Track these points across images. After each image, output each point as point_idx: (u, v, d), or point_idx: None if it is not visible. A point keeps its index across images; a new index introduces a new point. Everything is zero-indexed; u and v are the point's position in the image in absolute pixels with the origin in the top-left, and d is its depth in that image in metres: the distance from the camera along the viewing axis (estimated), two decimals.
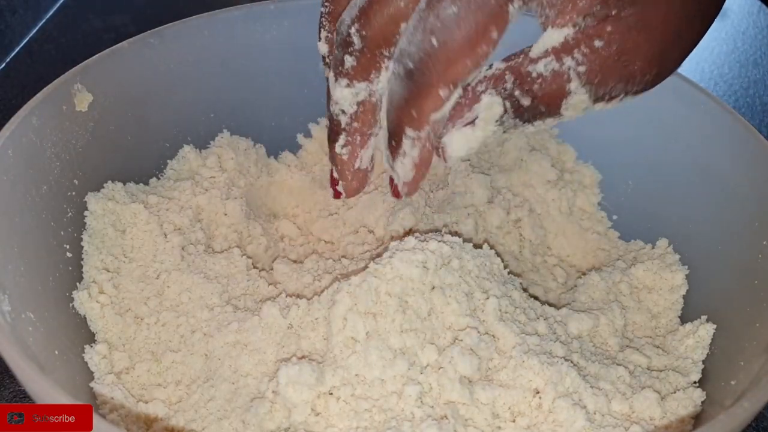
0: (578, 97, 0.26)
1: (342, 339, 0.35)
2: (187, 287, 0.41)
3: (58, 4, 0.82)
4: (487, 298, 0.37)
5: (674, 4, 0.25)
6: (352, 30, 0.28)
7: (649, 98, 0.46)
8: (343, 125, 0.31)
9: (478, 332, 0.36)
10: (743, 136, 0.40)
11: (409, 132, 0.27)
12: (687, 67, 0.28)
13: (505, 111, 0.26)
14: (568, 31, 0.25)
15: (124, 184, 0.44)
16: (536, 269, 0.47)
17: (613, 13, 0.24)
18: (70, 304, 0.39)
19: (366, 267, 0.37)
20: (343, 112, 0.31)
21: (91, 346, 0.38)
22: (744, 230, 0.39)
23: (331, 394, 0.34)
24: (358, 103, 0.30)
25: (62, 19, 0.80)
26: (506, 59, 0.27)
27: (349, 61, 0.29)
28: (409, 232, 0.45)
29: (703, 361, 0.38)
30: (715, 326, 0.39)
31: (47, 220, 0.38)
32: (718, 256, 0.41)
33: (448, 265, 0.37)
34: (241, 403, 0.35)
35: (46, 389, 0.27)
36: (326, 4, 0.32)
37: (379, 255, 0.39)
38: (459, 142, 0.28)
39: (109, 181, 0.43)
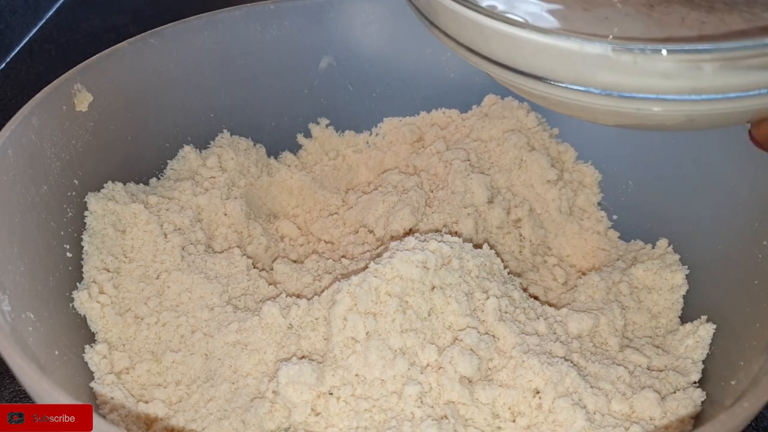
0: None
1: (342, 339, 0.35)
2: (187, 287, 0.41)
3: (58, 4, 0.82)
4: (487, 298, 0.37)
5: None
6: None
7: None
8: None
9: (478, 332, 0.36)
10: (743, 136, 0.40)
11: None
12: None
13: None
14: None
15: (124, 184, 0.44)
16: (536, 269, 0.47)
17: None
18: (70, 304, 0.39)
19: (366, 267, 0.37)
20: None
21: (91, 346, 0.38)
22: (744, 230, 0.39)
23: (331, 394, 0.34)
24: None
25: (62, 19, 0.80)
26: None
27: None
28: (409, 232, 0.45)
29: (703, 361, 0.38)
30: (715, 326, 0.39)
31: (47, 220, 0.38)
32: (718, 256, 0.41)
33: (448, 265, 0.37)
34: (241, 403, 0.35)
35: (46, 389, 0.27)
36: None
37: (379, 255, 0.39)
38: None
39: (109, 181, 0.43)
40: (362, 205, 0.48)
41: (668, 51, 0.23)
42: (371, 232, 0.47)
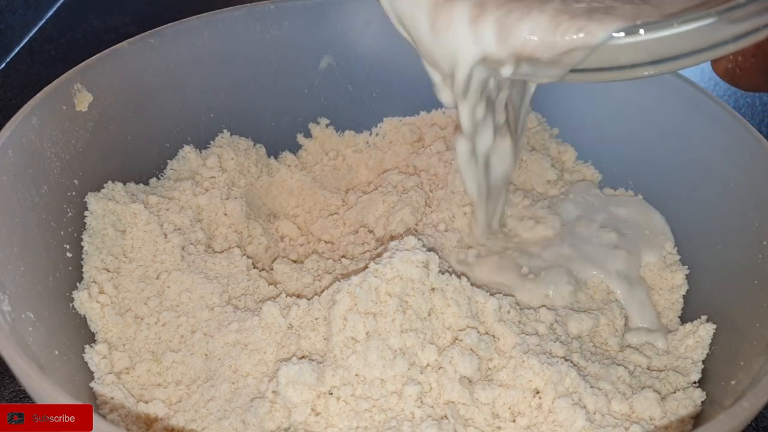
0: None
1: (342, 339, 0.35)
2: (187, 287, 0.41)
3: (58, 4, 0.82)
4: (487, 299, 0.37)
5: None
6: None
7: (649, 98, 0.46)
8: None
9: (478, 332, 0.36)
10: (743, 136, 0.40)
11: None
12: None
13: None
14: None
15: (124, 184, 0.44)
16: None
17: None
18: (70, 304, 0.39)
19: (366, 267, 0.37)
20: None
21: (91, 346, 0.38)
22: (744, 230, 0.39)
23: (331, 394, 0.34)
24: None
25: (62, 19, 0.80)
26: None
27: None
28: (409, 232, 0.45)
29: (703, 361, 0.38)
30: (715, 326, 0.39)
31: (47, 220, 0.38)
32: (718, 256, 0.41)
33: None
34: (241, 403, 0.35)
35: (46, 389, 0.27)
36: None
37: (379, 255, 0.39)
38: None
39: (109, 181, 0.43)
40: (362, 205, 0.48)
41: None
42: (371, 232, 0.47)
